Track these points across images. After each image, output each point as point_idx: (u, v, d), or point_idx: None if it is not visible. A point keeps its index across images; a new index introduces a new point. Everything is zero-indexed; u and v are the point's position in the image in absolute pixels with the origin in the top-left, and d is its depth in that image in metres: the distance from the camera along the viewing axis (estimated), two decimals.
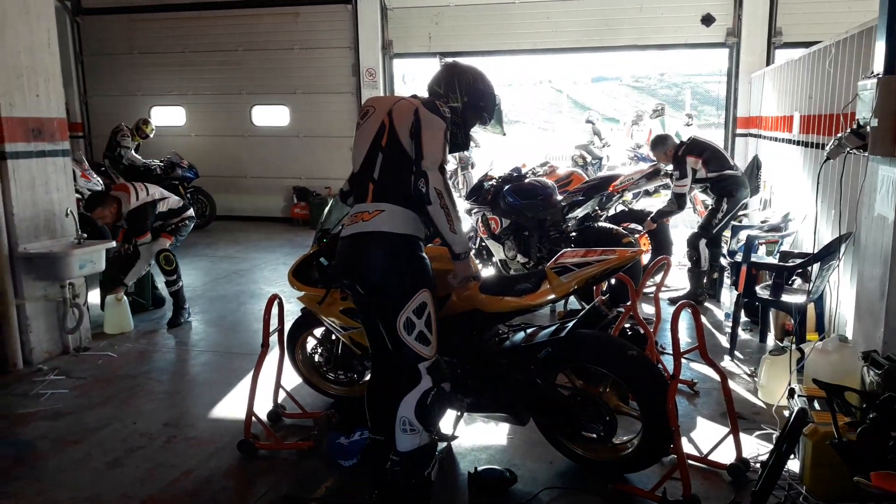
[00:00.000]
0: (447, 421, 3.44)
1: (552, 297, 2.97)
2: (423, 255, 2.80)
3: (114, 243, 5.21)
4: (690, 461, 3.14)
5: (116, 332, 5.55)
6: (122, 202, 5.51)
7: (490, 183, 6.22)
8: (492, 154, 13.64)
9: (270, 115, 11.57)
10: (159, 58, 11.54)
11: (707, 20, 9.71)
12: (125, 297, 5.65)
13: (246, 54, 11.23)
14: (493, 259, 6.45)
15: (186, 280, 6.17)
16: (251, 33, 11.12)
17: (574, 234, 5.93)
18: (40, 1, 4.82)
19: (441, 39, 10.61)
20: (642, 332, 3.78)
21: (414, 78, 13.33)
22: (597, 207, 6.37)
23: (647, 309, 5.34)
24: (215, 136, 11.72)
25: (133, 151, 9.94)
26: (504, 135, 3.75)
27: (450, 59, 3.05)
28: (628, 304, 3.94)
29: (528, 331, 3.17)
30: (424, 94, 3.00)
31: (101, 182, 9.02)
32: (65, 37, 10.95)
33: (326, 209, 3.79)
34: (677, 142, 6.22)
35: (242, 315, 6.17)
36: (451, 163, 13.64)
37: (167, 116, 11.82)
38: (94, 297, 5.80)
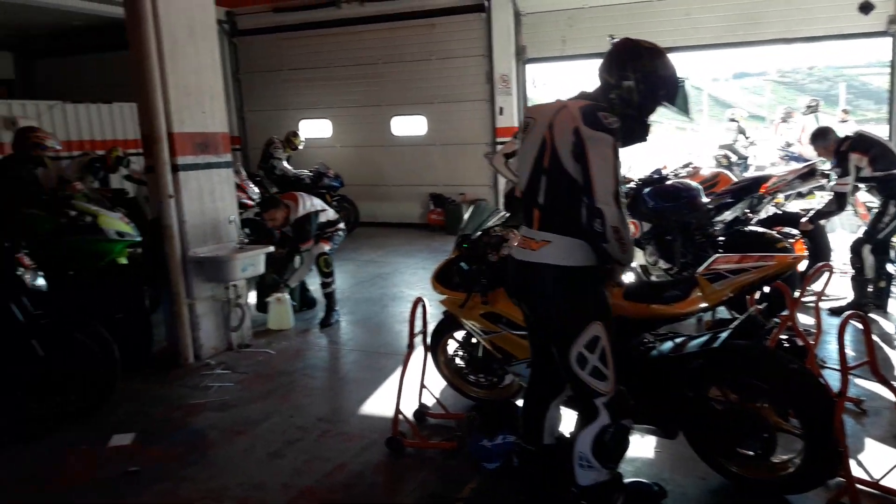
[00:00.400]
0: None
1: (703, 305, 2.85)
2: (597, 285, 2.59)
3: (272, 248, 5.61)
4: (861, 486, 2.90)
5: (278, 329, 5.98)
6: (291, 210, 5.94)
7: (629, 185, 6.06)
8: (628, 155, 13.27)
9: (409, 125, 11.94)
10: (307, 73, 12.25)
11: (865, 7, 8.89)
12: (287, 297, 6.08)
13: (386, 67, 11.66)
14: (632, 265, 6.27)
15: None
16: (390, 46, 11.53)
17: (722, 238, 5.64)
18: (205, 26, 5.26)
19: (576, 42, 10.48)
20: (801, 344, 3.52)
21: (545, 82, 13.26)
22: (747, 210, 6.02)
23: (803, 320, 4.97)
24: (358, 147, 12.27)
25: (284, 162, 10.62)
26: (691, 119, 3.54)
27: (619, 38, 2.63)
28: (785, 313, 3.69)
29: (677, 340, 3.07)
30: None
31: (256, 191, 9.71)
32: (223, 57, 11.92)
33: (466, 215, 3.87)
34: (840, 136, 5.75)
35: (386, 317, 6.42)
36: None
37: (315, 129, 12.52)
38: (252, 297, 6.27)
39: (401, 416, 3.67)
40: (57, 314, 4.09)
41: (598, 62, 2.63)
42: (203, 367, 5.11)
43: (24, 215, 5.30)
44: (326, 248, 6.13)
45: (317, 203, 6.20)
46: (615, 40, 2.62)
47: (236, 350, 5.46)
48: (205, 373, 4.97)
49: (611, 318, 2.60)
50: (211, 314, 5.36)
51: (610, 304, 2.62)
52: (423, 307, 3.76)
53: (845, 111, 11.89)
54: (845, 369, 2.78)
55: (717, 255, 3.08)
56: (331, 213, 6.32)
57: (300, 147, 10.92)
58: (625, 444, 2.75)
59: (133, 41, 4.80)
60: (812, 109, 11.72)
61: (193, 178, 5.16)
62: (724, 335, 2.84)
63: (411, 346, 3.68)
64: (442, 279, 3.72)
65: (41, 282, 3.99)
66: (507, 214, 3.94)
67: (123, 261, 5.50)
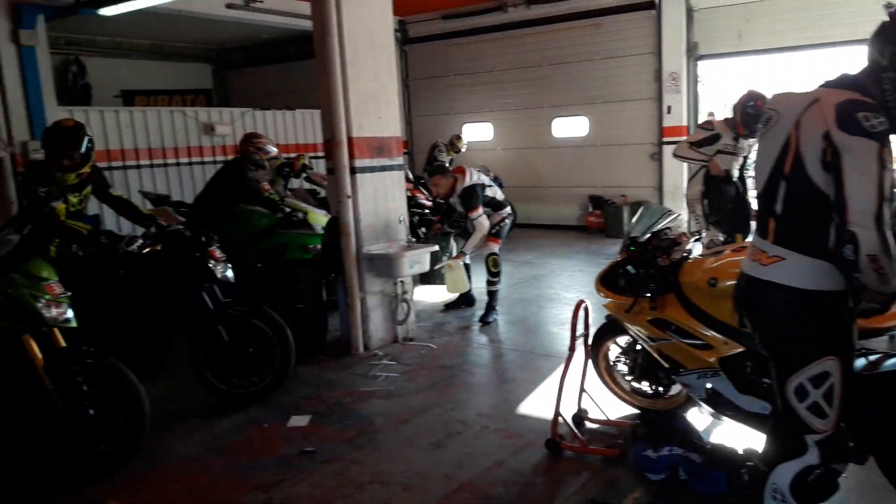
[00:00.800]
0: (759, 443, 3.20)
1: None
2: (839, 314, 2.20)
3: (436, 247, 5.82)
4: None
5: (455, 293, 6.51)
6: (458, 182, 6.19)
7: None
8: None
9: (569, 126, 11.84)
10: (471, 78, 12.54)
11: None
12: (460, 262, 6.37)
13: (549, 69, 11.65)
14: None
15: None
16: (554, 48, 11.51)
17: None
18: (384, 36, 5.56)
19: (752, 36, 9.84)
20: None
21: (712, 79, 12.51)
22: None
23: None
24: (518, 149, 12.38)
25: (448, 165, 10.95)
26: None
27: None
28: None
29: (871, 357, 2.80)
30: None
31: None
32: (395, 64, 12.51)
33: (636, 216, 3.77)
34: None
35: (542, 318, 6.43)
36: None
37: (477, 132, 12.78)
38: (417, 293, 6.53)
39: (560, 419, 3.66)
40: (240, 303, 4.49)
41: (778, 57, 2.39)
42: (371, 357, 5.40)
43: (245, 211, 6.21)
44: (496, 247, 6.26)
45: (484, 178, 6.39)
46: (892, 9, 2.04)
47: (401, 343, 5.72)
48: (373, 362, 5.25)
49: (851, 353, 2.26)
50: (380, 308, 5.65)
51: (854, 337, 2.26)
52: (586, 310, 3.73)
53: None
54: None
55: None
56: (498, 193, 6.45)
57: (462, 150, 11.21)
58: (831, 490, 2.36)
59: (319, 52, 5.17)
60: None
61: (369, 180, 5.47)
62: None
63: (572, 349, 3.66)
64: (607, 282, 3.66)
65: (230, 273, 4.40)
66: (679, 215, 3.79)
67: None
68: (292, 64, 13.67)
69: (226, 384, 4.46)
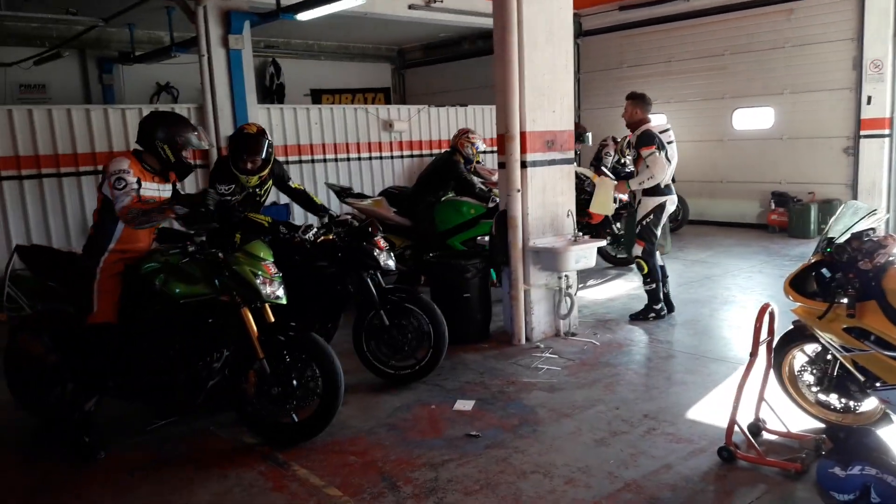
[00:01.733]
0: None
1: None
2: None
3: (603, 242, 5.73)
4: None
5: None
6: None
7: None
8: None
9: (752, 118, 11.08)
10: (645, 69, 12.11)
11: None
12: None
13: (731, 58, 10.97)
14: None
15: None
16: (738, 36, 10.82)
17: None
18: (562, 28, 5.54)
19: None
20: None
21: None
22: None
23: None
24: (694, 142, 11.75)
25: (609, 162, 10.70)
26: None
27: None
28: None
29: None
30: None
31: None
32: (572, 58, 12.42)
33: (834, 216, 3.48)
34: None
35: (715, 321, 6.12)
36: None
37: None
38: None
39: (735, 427, 3.48)
40: (399, 290, 4.77)
41: None
42: (533, 349, 5.44)
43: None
44: (639, 250, 6.05)
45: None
46: None
47: (563, 337, 5.71)
48: (535, 354, 5.30)
49: None
50: (543, 301, 5.68)
51: None
52: (771, 314, 3.50)
53: None
54: None
55: None
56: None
57: (628, 158, 10.85)
58: None
59: (498, 47, 5.27)
60: None
61: (539, 174, 5.50)
62: None
63: (755, 354, 3.45)
64: (797, 286, 3.42)
65: (392, 262, 4.65)
66: (887, 216, 3.46)
67: None
68: (466, 61, 14.01)
69: (385, 365, 4.75)
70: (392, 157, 10.80)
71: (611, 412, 4.18)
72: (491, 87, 5.52)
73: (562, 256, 5.39)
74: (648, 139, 5.94)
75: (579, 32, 12.82)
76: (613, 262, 8.54)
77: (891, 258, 3.05)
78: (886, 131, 9.56)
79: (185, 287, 3.73)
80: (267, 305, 3.85)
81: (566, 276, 5.62)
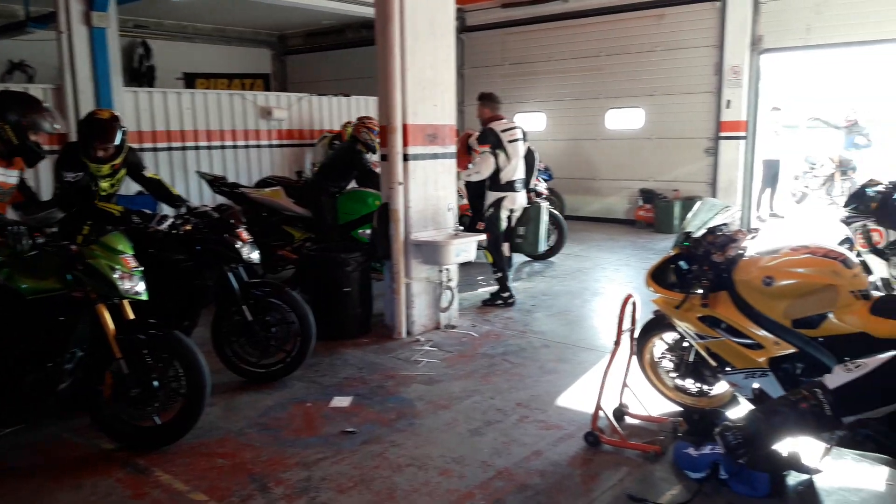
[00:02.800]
0: (812, 452, 3.12)
1: None
2: None
3: (483, 237, 5.81)
4: None
5: None
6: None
7: (876, 189, 5.37)
8: (870, 156, 11.82)
9: (624, 119, 11.65)
10: (527, 67, 12.43)
11: None
12: None
13: (606, 59, 11.46)
14: (872, 277, 5.55)
15: (534, 276, 6.62)
16: (613, 38, 11.31)
17: None
18: (444, 22, 5.55)
19: (823, 30, 9.44)
20: None
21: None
22: None
23: None
24: (570, 140, 12.23)
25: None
26: None
27: None
28: None
29: None
30: None
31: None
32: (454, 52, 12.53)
33: (692, 212, 3.69)
34: None
35: (586, 311, 6.38)
36: (829, 166, 12.15)
37: (530, 122, 12.68)
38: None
39: (601, 413, 3.63)
40: (264, 284, 4.60)
41: (847, 52, 2.31)
42: (414, 342, 5.45)
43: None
44: (485, 241, 6.24)
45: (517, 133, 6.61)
46: None
47: (444, 330, 5.75)
48: (415, 347, 5.30)
49: None
50: (424, 294, 5.69)
51: None
52: (633, 305, 3.68)
53: None
54: None
55: None
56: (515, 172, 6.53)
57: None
58: None
59: (380, 38, 5.20)
60: None
61: (420, 167, 5.49)
62: None
63: (618, 343, 3.62)
64: (658, 277, 3.60)
65: (255, 255, 4.49)
66: (737, 211, 3.72)
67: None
68: (349, 50, 13.80)
69: (253, 364, 4.60)
70: (270, 146, 10.45)
71: (486, 402, 4.25)
72: (375, 77, 5.45)
73: (443, 250, 5.41)
74: (483, 138, 6.42)
75: (463, 28, 12.95)
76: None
77: (741, 251, 3.28)
78: (743, 133, 10.34)
79: (33, 282, 3.41)
80: (126, 302, 3.59)
81: (447, 269, 5.66)
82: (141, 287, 3.58)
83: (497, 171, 6.41)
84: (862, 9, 8.97)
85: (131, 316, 3.63)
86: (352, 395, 4.37)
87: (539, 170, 10.45)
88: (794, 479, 3.16)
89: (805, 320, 2.90)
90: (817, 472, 3.07)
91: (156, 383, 3.56)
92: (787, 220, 11.47)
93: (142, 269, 3.62)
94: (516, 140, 6.47)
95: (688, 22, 10.58)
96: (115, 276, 3.45)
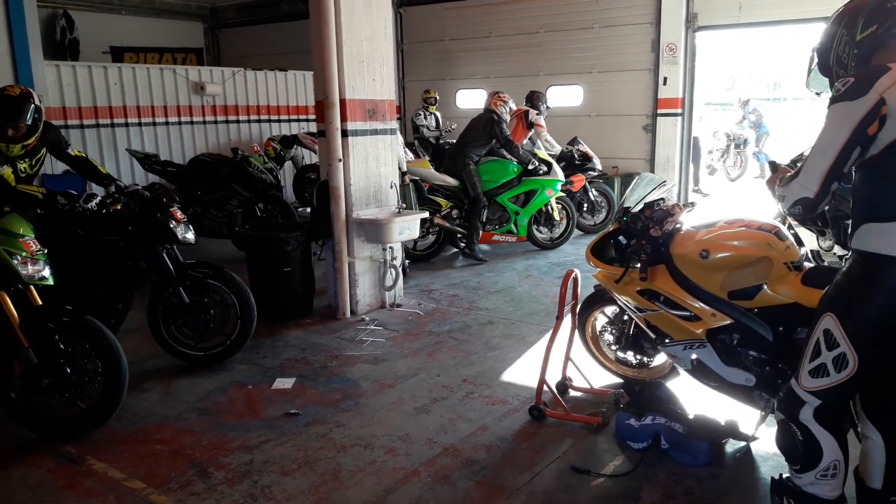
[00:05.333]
0: (748, 420, 3.23)
1: None
2: None
3: (426, 214, 5.77)
4: None
5: None
6: None
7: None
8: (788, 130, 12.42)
9: (564, 96, 11.72)
10: (467, 43, 12.34)
11: None
12: None
13: (545, 36, 11.48)
14: (803, 249, 5.77)
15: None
16: (552, 15, 11.32)
17: None
18: None
19: (753, 9, 9.68)
20: None
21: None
22: None
23: None
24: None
25: (423, 120, 11.03)
26: None
27: None
28: None
29: None
30: None
31: (411, 158, 10.07)
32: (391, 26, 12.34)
33: (630, 187, 3.74)
34: None
35: (531, 287, 6.42)
36: (723, 141, 12.70)
37: (471, 99, 12.64)
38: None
39: (545, 387, 3.67)
40: (202, 265, 4.45)
41: (780, 29, 2.44)
42: (358, 322, 5.39)
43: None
44: None
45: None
46: None
47: (389, 308, 5.71)
48: (360, 327, 5.25)
49: None
50: (368, 273, 5.63)
51: None
52: (575, 280, 3.71)
53: None
54: None
55: None
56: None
57: (435, 103, 11.23)
58: None
59: (314, 10, 5.05)
60: None
61: (360, 143, 5.39)
62: None
63: (560, 318, 3.65)
64: (598, 252, 3.64)
65: (191, 235, 4.35)
66: (673, 186, 3.79)
67: None
68: (286, 24, 13.42)
69: (191, 347, 4.47)
70: (204, 123, 10.12)
71: (432, 379, 4.24)
72: (311, 51, 5.29)
73: (385, 228, 5.35)
74: None
75: (402, 2, 12.76)
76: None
77: (678, 225, 3.33)
78: (679, 110, 10.54)
79: None
80: (32, 288, 3.42)
81: (391, 247, 5.60)
82: (47, 272, 3.41)
83: None
84: None
85: (39, 303, 3.46)
86: (295, 377, 4.30)
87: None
88: (732, 446, 3.27)
89: (741, 292, 2.97)
90: (754, 438, 3.18)
91: (68, 370, 3.42)
92: (713, 196, 11.83)
93: (46, 251, 3.44)
94: None
95: None
96: (15, 261, 3.27)
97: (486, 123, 7.51)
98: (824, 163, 2.09)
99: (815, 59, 2.42)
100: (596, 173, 8.70)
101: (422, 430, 3.57)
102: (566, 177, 8.03)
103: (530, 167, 7.55)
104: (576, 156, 8.61)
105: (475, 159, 7.50)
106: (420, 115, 11.35)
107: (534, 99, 8.84)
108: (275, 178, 8.09)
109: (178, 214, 4.27)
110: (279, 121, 11.44)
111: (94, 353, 3.49)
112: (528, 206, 7.67)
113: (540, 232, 7.98)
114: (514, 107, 7.83)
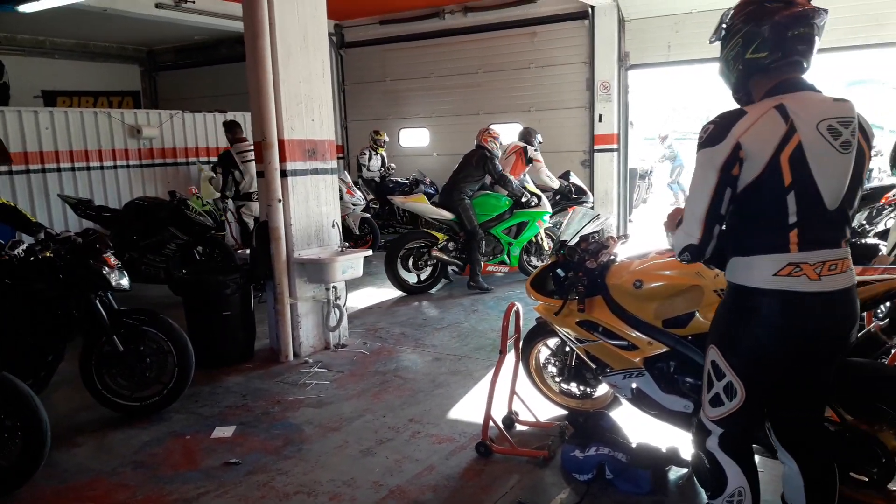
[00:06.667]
0: (689, 447, 3.27)
1: None
2: None
3: (370, 252, 5.75)
4: None
5: None
6: None
7: None
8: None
9: (504, 134, 11.91)
10: (408, 84, 12.51)
11: None
12: None
13: (485, 76, 11.74)
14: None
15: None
16: (490, 55, 11.61)
17: None
18: (317, 36, 5.45)
19: (681, 48, 10.16)
20: None
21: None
22: (864, 222, 5.64)
23: None
24: (454, 155, 12.23)
25: (368, 169, 11.09)
26: None
27: None
28: None
29: None
30: None
31: (363, 198, 10.09)
32: (332, 68, 12.41)
33: (565, 221, 3.82)
34: None
35: (477, 323, 6.43)
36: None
37: (414, 138, 12.76)
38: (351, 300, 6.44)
39: (491, 422, 3.65)
40: (137, 312, 4.32)
41: (704, 68, 2.49)
42: (301, 364, 5.29)
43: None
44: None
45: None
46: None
47: (333, 349, 5.63)
48: (303, 370, 5.14)
49: None
50: (311, 314, 5.54)
51: None
52: (517, 313, 3.74)
53: None
54: None
55: None
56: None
57: (383, 145, 11.31)
58: None
59: (250, 52, 5.04)
60: None
61: (301, 184, 5.36)
62: None
63: (504, 352, 3.66)
64: (537, 286, 3.69)
65: (125, 281, 4.25)
66: (607, 219, 3.89)
67: None
68: (224, 66, 13.38)
69: (126, 398, 4.31)
70: (141, 166, 9.94)
71: (378, 420, 4.18)
72: (248, 92, 5.28)
73: (328, 268, 5.30)
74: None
75: (342, 43, 12.89)
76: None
77: (612, 257, 3.41)
78: (615, 146, 10.88)
79: None
80: None
81: (334, 287, 5.55)
82: None
83: None
84: (710, 28, 9.68)
85: None
86: (235, 425, 4.17)
87: (424, 184, 10.60)
88: (674, 473, 3.31)
89: (674, 320, 3.04)
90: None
91: None
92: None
93: None
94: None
95: (559, 39, 11.03)
96: None
97: (479, 160, 7.70)
98: (700, 208, 2.15)
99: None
100: (590, 205, 8.91)
101: (367, 474, 3.50)
102: (563, 209, 8.18)
103: (523, 200, 7.74)
104: (572, 189, 8.82)
105: (469, 194, 7.70)
106: (366, 154, 11.40)
107: (528, 135, 9.03)
108: (214, 220, 7.96)
109: (112, 260, 4.15)
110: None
111: (9, 409, 3.32)
112: (520, 237, 7.83)
113: (530, 262, 8.06)
114: (503, 142, 8.10)
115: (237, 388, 4.83)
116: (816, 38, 2.17)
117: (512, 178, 7.86)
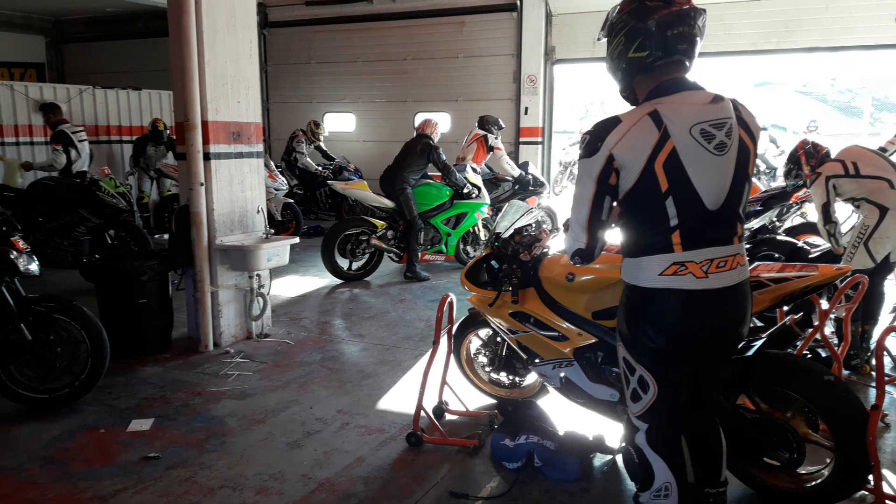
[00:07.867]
0: (614, 434, 3.38)
1: None
2: None
3: (297, 239, 5.62)
4: (890, 501, 2.85)
5: None
6: None
7: None
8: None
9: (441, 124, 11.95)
10: (334, 67, 12.30)
11: None
12: None
13: (413, 63, 11.69)
14: None
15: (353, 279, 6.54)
16: (419, 43, 11.57)
17: (748, 246, 5.58)
18: (245, 14, 5.25)
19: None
20: (824, 355, 3.51)
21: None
22: (774, 219, 5.96)
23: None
24: (380, 142, 12.30)
25: (307, 157, 10.70)
26: None
27: None
28: (816, 325, 3.65)
29: None
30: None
31: (286, 183, 9.83)
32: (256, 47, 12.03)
33: (500, 214, 3.84)
34: None
35: (406, 312, 6.41)
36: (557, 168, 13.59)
37: (339, 123, 12.56)
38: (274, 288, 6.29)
39: (422, 412, 3.65)
40: (47, 298, 4.09)
41: None
42: (223, 354, 5.12)
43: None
44: None
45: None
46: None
47: (256, 339, 5.48)
48: (224, 360, 4.98)
49: None
50: (233, 303, 5.37)
51: None
52: (451, 304, 3.74)
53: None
54: (882, 382, 2.73)
55: (759, 263, 3.04)
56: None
57: (322, 138, 10.98)
58: None
59: (174, 29, 4.81)
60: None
61: (224, 167, 5.17)
62: (758, 344, 2.80)
63: (437, 342, 3.66)
64: (472, 277, 3.70)
65: (34, 266, 4.01)
66: (540, 212, 3.95)
67: None
68: (141, 41, 12.75)
69: (34, 390, 4.06)
70: (47, 143, 9.32)
71: (305, 412, 4.10)
72: (169, 70, 5.03)
73: (253, 255, 5.14)
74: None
75: (265, 23, 12.52)
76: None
77: (545, 250, 3.46)
78: (540, 139, 11.07)
79: None
80: None
81: (258, 275, 5.39)
82: None
83: None
84: None
85: None
86: (153, 417, 3.99)
87: (348, 171, 10.44)
88: (599, 460, 3.41)
89: (603, 312, 3.11)
90: (620, 452, 3.32)
91: None
92: None
93: None
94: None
95: (488, 31, 11.12)
96: None
97: (423, 149, 7.60)
98: (582, 215, 2.23)
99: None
100: (547, 196, 9.03)
101: (295, 467, 3.43)
102: (521, 199, 8.26)
103: (465, 191, 7.78)
104: (531, 180, 8.89)
105: (412, 183, 7.61)
106: (302, 141, 10.97)
107: (486, 123, 8.96)
108: (127, 202, 7.58)
109: (20, 244, 3.89)
110: (132, 142, 10.78)
111: (82, 327, 3.40)
112: (459, 227, 7.91)
113: (466, 251, 8.08)
114: (442, 132, 8.04)
115: (154, 379, 4.62)
116: (698, 37, 2.19)
117: (454, 169, 7.87)
